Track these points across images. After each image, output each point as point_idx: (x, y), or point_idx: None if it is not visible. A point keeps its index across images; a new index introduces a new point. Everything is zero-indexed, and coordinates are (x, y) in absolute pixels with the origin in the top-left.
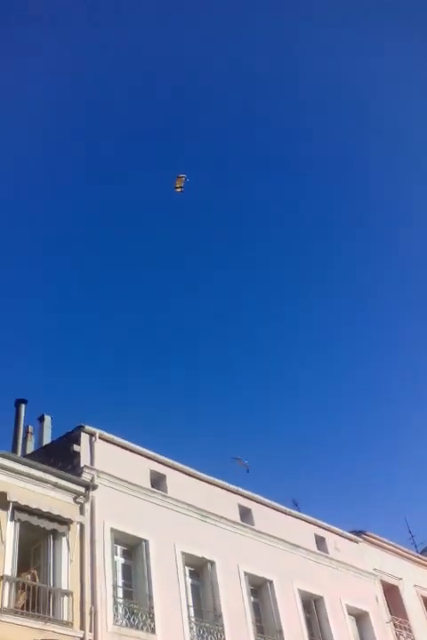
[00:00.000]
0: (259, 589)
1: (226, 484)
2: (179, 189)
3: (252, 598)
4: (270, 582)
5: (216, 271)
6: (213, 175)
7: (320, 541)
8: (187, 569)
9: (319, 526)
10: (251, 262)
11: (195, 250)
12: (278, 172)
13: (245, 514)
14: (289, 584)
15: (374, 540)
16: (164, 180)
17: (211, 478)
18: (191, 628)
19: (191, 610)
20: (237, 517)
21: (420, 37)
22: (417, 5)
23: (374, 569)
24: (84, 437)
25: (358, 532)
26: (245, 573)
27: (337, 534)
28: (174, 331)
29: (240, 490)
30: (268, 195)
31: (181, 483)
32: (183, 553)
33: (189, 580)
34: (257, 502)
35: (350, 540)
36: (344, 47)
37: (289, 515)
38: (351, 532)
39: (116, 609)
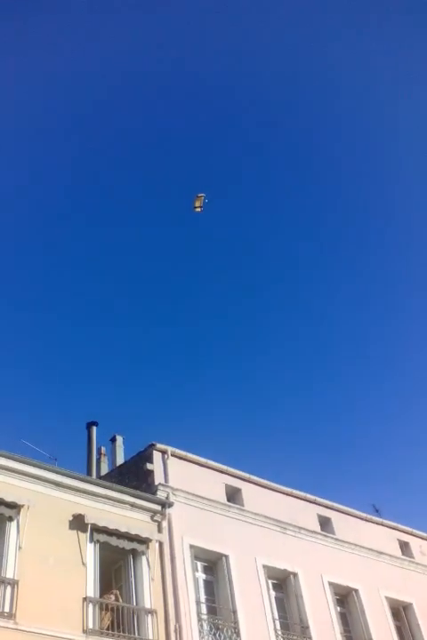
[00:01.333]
0: (345, 599)
1: (304, 494)
2: (198, 209)
3: (338, 608)
4: (356, 591)
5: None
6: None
7: (405, 546)
8: (269, 582)
9: (402, 531)
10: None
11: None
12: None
13: (325, 523)
14: (375, 592)
15: None
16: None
17: (288, 489)
18: None
19: (277, 623)
20: (317, 527)
21: None
22: None
23: None
24: (157, 455)
25: None
26: (330, 583)
27: (422, 538)
28: (247, 342)
29: (319, 499)
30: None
31: (257, 495)
32: (265, 566)
33: (272, 593)
34: (336, 511)
35: None
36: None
37: (370, 521)
38: None
39: (201, 625)
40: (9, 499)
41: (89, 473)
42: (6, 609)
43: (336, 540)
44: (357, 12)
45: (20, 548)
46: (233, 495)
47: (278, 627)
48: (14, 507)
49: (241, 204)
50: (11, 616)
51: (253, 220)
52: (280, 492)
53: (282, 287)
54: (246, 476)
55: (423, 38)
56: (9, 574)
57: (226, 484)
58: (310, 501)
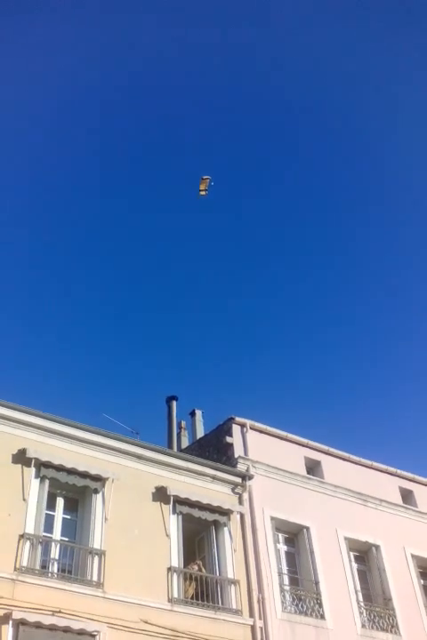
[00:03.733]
0: None
1: (385, 467)
2: (203, 193)
3: (422, 581)
4: None
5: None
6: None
7: None
8: (351, 554)
9: None
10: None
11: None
12: None
13: (407, 495)
14: None
15: None
16: None
17: (368, 462)
18: (361, 613)
19: (360, 594)
20: (398, 500)
21: None
22: None
23: None
24: (236, 429)
25: None
26: (413, 556)
27: None
28: (325, 313)
29: (400, 471)
30: None
31: (337, 468)
32: (346, 538)
33: (354, 565)
34: (419, 483)
35: None
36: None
37: None
38: None
39: (284, 596)
40: (94, 472)
41: (170, 446)
42: (94, 578)
43: (418, 512)
44: None
45: (105, 519)
46: (313, 468)
47: (361, 598)
48: (99, 479)
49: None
50: (99, 585)
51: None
52: (361, 465)
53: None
54: (326, 448)
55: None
56: (96, 545)
57: (305, 457)
58: (392, 474)
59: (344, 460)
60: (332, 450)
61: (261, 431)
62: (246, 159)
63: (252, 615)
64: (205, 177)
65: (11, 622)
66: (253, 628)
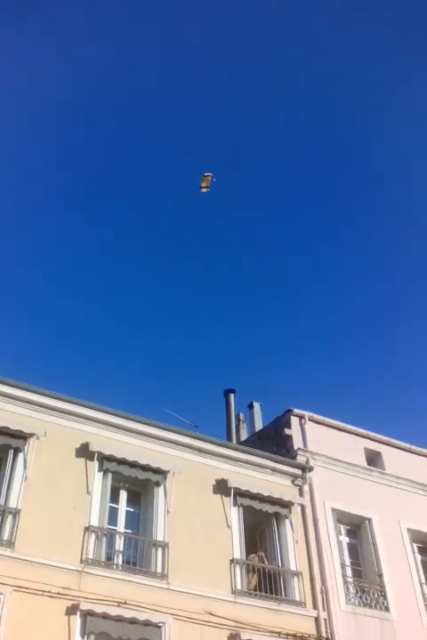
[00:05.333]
0: None
1: None
2: (204, 189)
3: None
4: None
5: None
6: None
7: None
8: (414, 545)
9: None
10: None
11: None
12: None
13: None
14: None
15: None
16: None
17: None
18: None
19: (424, 587)
20: None
21: None
22: None
23: None
24: (294, 420)
25: None
26: None
27: None
28: (384, 304)
29: None
30: None
31: (398, 459)
32: (409, 529)
33: (418, 557)
34: None
35: None
36: None
37: None
38: None
39: (347, 588)
40: (155, 465)
41: (229, 439)
42: (158, 570)
43: None
44: None
45: (168, 511)
46: (373, 459)
47: (426, 591)
48: (161, 472)
49: None
50: (163, 576)
51: None
52: (423, 455)
53: None
54: (386, 439)
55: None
56: (159, 537)
57: (365, 448)
58: None
59: (405, 450)
60: (392, 440)
61: (319, 423)
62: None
63: (315, 607)
64: (206, 174)
65: (78, 613)
66: (317, 619)
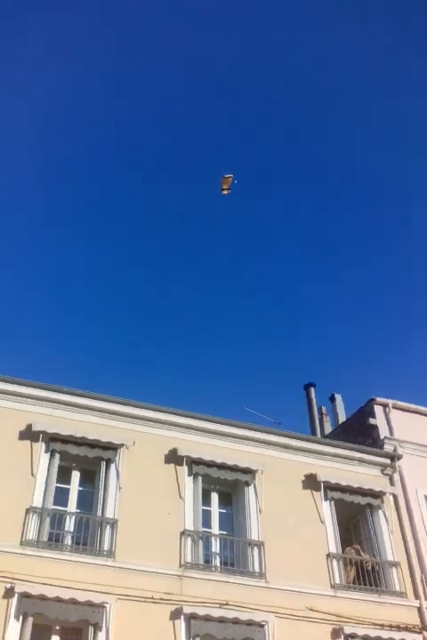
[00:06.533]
0: None
1: None
2: (225, 191)
3: None
4: None
5: None
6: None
7: None
8: None
9: None
10: None
11: None
12: None
13: None
14: None
15: None
16: None
17: None
18: None
19: None
20: None
21: None
22: None
23: None
24: (378, 409)
25: None
26: None
27: None
28: None
29: None
30: None
31: None
32: None
33: None
34: None
35: None
36: None
37: None
38: None
39: None
40: (243, 465)
41: (313, 433)
42: (256, 569)
43: None
44: None
45: (260, 511)
46: None
47: None
48: (249, 472)
49: None
50: (261, 575)
51: None
52: None
53: None
54: None
55: None
56: (254, 536)
57: None
58: None
59: None
60: None
61: (404, 410)
62: None
63: (417, 597)
64: (227, 175)
65: (182, 617)
66: (419, 609)
